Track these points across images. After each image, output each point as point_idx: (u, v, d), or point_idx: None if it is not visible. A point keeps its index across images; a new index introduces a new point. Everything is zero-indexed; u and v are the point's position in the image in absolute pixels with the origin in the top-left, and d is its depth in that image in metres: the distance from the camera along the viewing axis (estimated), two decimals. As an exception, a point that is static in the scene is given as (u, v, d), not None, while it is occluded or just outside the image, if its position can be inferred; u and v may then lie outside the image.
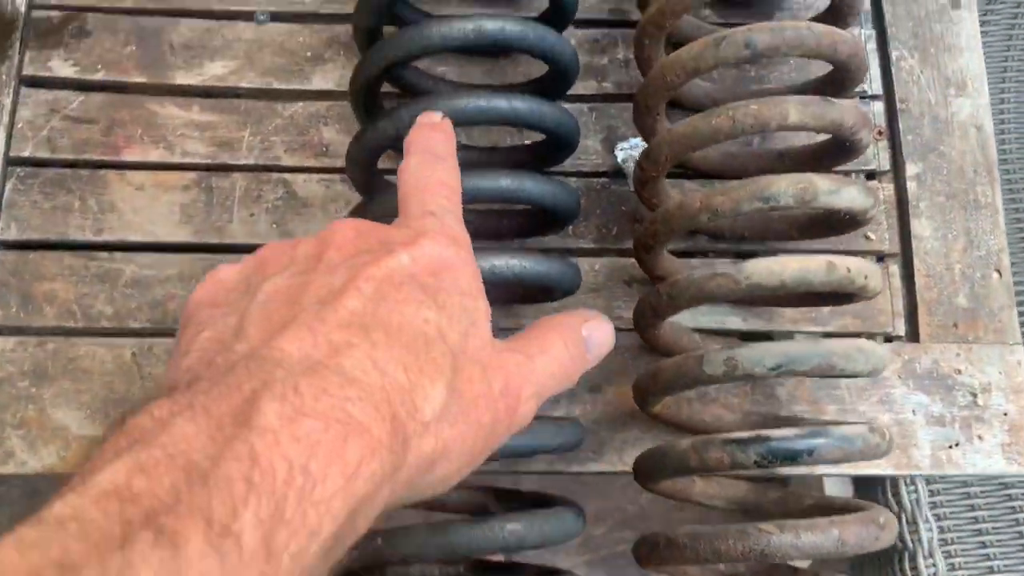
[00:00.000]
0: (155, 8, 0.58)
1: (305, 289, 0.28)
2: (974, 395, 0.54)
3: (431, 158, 0.35)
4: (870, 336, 0.54)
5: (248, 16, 0.58)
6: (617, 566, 1.23)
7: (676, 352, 0.48)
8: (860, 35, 0.60)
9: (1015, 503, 0.66)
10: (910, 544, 0.58)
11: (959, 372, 0.54)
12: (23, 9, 0.57)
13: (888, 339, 0.55)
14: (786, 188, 0.42)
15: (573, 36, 0.58)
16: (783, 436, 0.40)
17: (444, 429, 0.28)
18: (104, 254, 0.53)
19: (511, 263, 0.41)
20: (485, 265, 0.39)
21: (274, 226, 0.54)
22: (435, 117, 0.38)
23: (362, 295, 0.28)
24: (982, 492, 0.66)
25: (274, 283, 0.29)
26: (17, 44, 0.56)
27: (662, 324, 0.47)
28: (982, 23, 0.62)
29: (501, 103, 0.43)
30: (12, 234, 0.53)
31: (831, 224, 0.50)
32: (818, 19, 0.52)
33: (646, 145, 0.49)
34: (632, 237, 0.50)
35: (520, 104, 0.43)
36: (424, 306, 0.28)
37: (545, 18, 0.51)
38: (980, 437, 0.53)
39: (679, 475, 0.44)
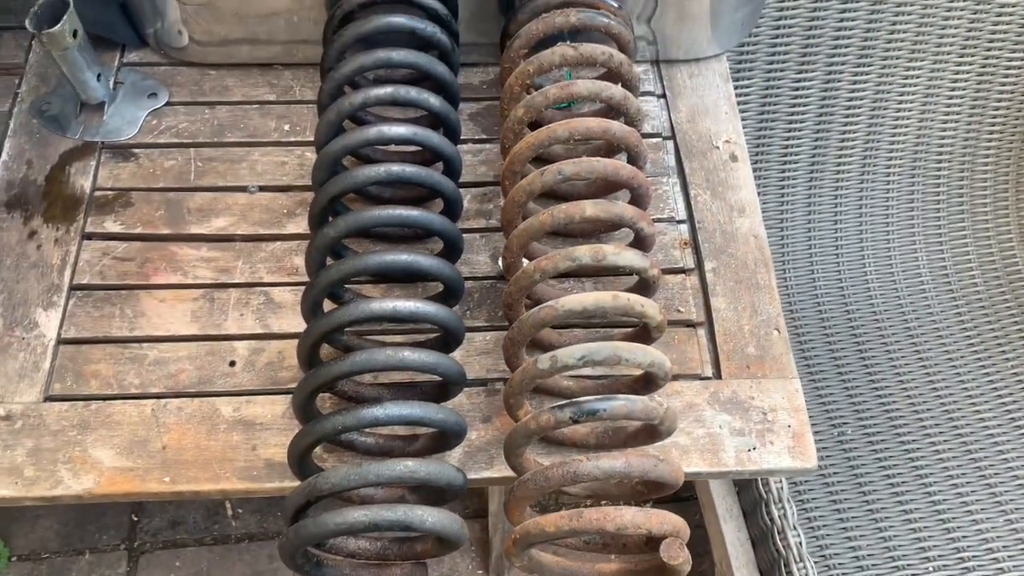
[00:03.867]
0: (178, 187, 0.84)
1: None
2: (764, 414, 0.74)
3: None
4: (687, 376, 0.75)
5: (243, 189, 0.84)
6: None
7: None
8: (670, 183, 0.86)
9: (865, 488, 0.85)
10: (778, 521, 0.76)
11: (752, 399, 0.74)
12: (88, 191, 0.83)
13: (700, 378, 0.75)
14: (584, 252, 0.66)
15: (468, 192, 0.84)
16: (587, 400, 0.60)
17: None
18: (135, 345, 0.75)
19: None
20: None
21: (257, 321, 0.77)
22: None
23: None
24: (838, 482, 0.84)
25: None
26: (83, 213, 0.82)
27: (521, 352, 0.68)
28: (761, 166, 0.88)
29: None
30: (71, 334, 0.75)
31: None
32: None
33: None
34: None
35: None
36: None
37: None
38: (771, 443, 0.72)
39: (527, 440, 0.63)
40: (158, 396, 0.73)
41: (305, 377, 0.64)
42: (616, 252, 0.66)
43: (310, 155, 0.85)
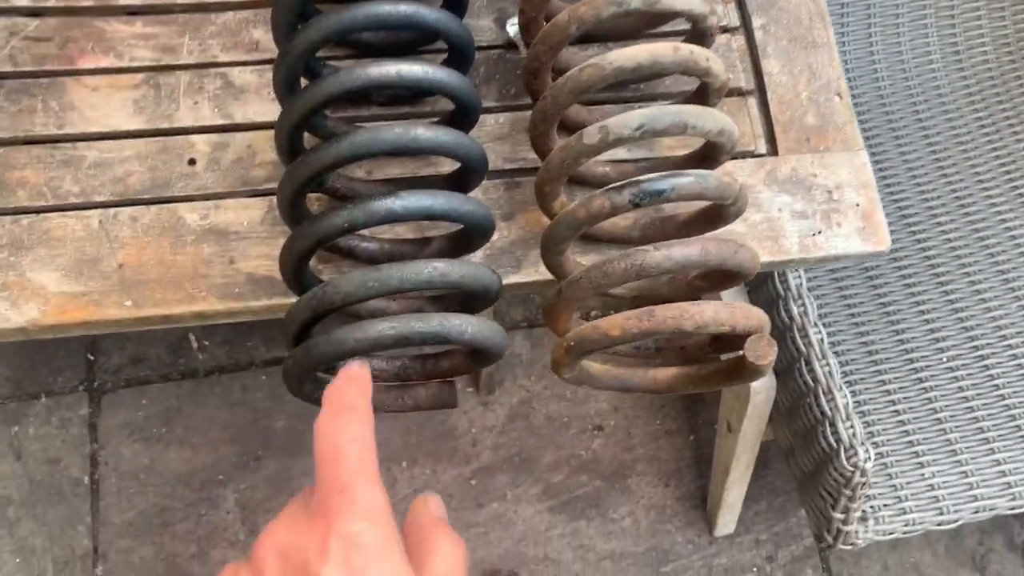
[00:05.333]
0: (96, -54, 0.66)
1: None
2: (829, 192, 0.63)
3: (343, 411, 0.38)
4: (739, 155, 0.64)
5: (179, -54, 0.67)
6: (578, 509, 1.29)
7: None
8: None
9: (875, 282, 0.77)
10: (797, 318, 0.68)
11: (815, 176, 0.64)
12: (-21, -46, 0.65)
13: (753, 156, 0.64)
14: (634, -6, 0.52)
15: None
16: (651, 178, 0.49)
17: None
18: (68, 145, 0.61)
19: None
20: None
21: (216, 110, 0.62)
22: (353, 370, 0.42)
23: None
24: (847, 276, 0.77)
25: None
26: (-25, -17, 0.64)
27: (552, 131, 0.56)
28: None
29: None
30: (-17, 134, 0.60)
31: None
32: None
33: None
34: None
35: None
36: None
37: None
38: (839, 224, 0.63)
39: (573, 233, 0.52)
40: (105, 205, 0.59)
41: (292, 167, 0.51)
42: (672, -7, 0.52)
43: (259, -100, 0.68)
